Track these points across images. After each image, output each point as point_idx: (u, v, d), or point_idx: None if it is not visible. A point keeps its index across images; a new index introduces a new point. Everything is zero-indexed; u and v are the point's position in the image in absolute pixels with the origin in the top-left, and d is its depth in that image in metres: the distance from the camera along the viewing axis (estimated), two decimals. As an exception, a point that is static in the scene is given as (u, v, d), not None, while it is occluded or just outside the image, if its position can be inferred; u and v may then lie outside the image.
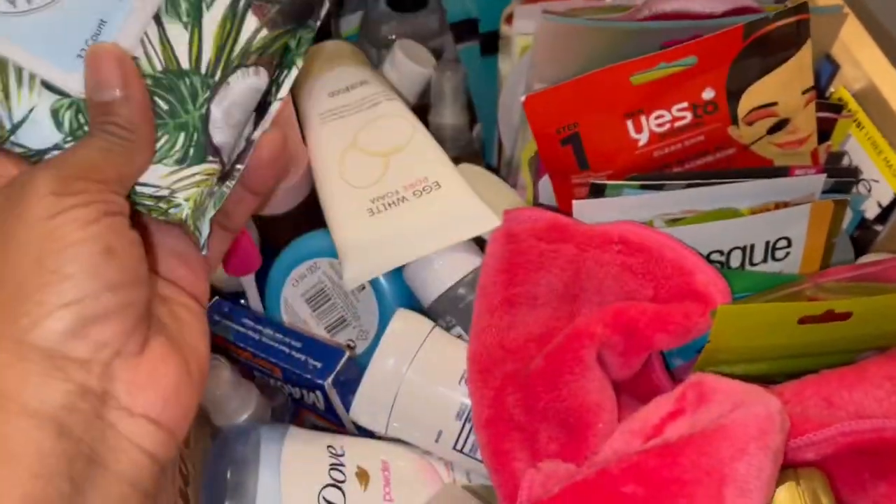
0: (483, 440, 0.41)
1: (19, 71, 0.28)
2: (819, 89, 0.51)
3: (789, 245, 0.45)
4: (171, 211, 0.30)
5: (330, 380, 0.45)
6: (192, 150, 0.30)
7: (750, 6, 0.46)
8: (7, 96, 0.28)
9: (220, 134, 0.31)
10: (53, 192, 0.25)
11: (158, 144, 0.30)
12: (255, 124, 0.32)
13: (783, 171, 0.43)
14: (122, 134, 0.28)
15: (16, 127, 0.28)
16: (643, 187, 0.43)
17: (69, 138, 0.29)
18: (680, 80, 0.42)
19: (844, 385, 0.39)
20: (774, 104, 0.43)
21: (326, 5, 0.32)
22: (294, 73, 0.32)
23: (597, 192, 0.43)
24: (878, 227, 0.48)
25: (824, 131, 0.47)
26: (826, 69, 0.50)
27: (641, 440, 0.37)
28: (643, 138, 0.43)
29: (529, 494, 0.37)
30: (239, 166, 0.32)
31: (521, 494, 0.37)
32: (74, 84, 0.28)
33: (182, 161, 0.30)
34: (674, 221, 0.44)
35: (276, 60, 0.32)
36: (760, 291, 0.43)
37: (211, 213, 0.31)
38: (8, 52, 0.28)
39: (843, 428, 0.35)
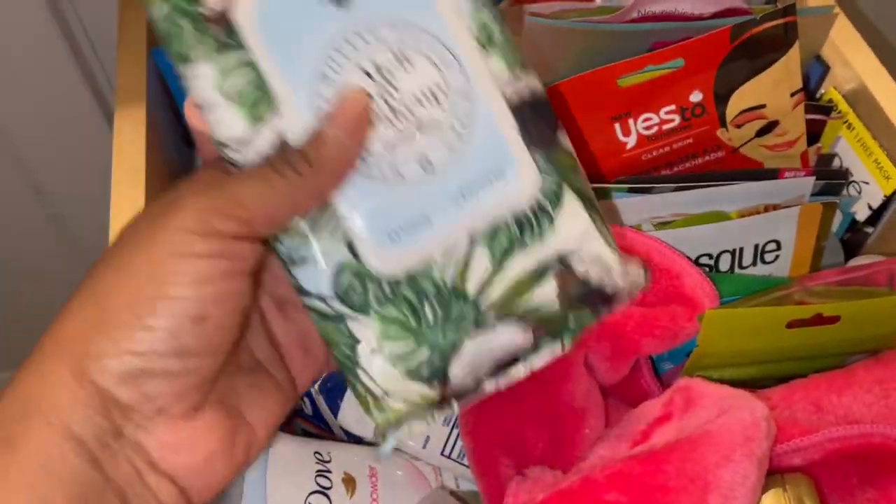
0: (469, 445, 0.41)
1: (335, 219, 0.28)
2: (809, 90, 0.50)
3: (778, 248, 0.45)
4: (373, 410, 0.30)
5: (317, 385, 0.45)
6: (425, 370, 0.29)
7: (739, 7, 0.46)
8: (312, 231, 0.28)
9: (458, 368, 0.30)
10: (187, 229, 0.25)
11: (399, 347, 0.29)
12: (492, 375, 0.31)
13: (772, 174, 0.43)
14: (298, 169, 0.26)
15: (299, 260, 0.29)
16: (631, 190, 0.42)
17: (334, 295, 0.29)
18: (667, 83, 0.42)
19: (833, 389, 0.39)
20: (763, 106, 0.43)
21: (624, 301, 0.31)
22: (556, 351, 0.31)
23: (585, 195, 0.42)
24: (869, 230, 0.48)
25: (814, 133, 0.47)
26: (816, 70, 0.50)
27: (629, 445, 0.37)
28: (631, 141, 0.43)
29: (515, 501, 0.37)
30: (455, 404, 0.31)
31: (507, 501, 0.37)
32: (371, 257, 0.29)
33: (411, 374, 0.29)
34: (663, 225, 0.43)
35: (549, 329, 0.31)
36: (749, 295, 0.42)
37: (399, 433, 0.30)
38: (336, 199, 0.28)
39: (831, 434, 0.35)
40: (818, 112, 0.47)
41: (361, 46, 0.29)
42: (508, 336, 0.30)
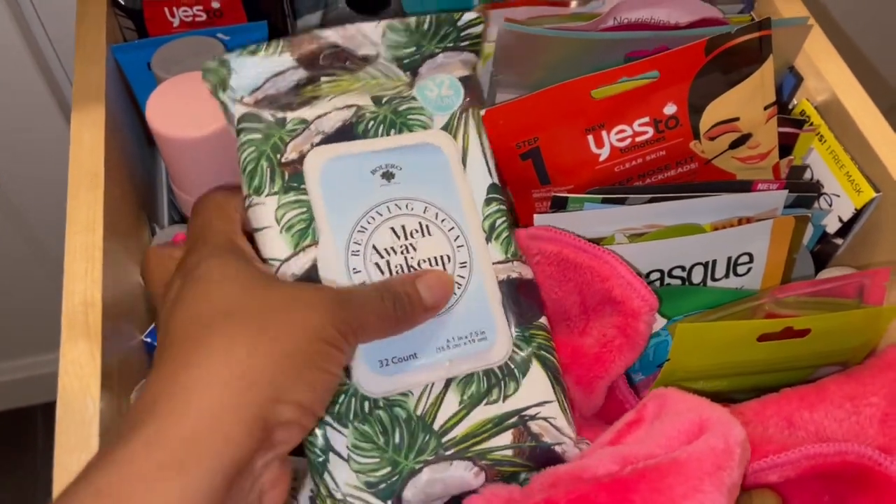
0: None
1: None
2: (782, 101, 0.50)
3: (751, 260, 0.44)
4: None
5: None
6: (384, 486, 0.33)
7: (715, 17, 0.45)
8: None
9: (412, 492, 0.34)
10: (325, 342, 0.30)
11: (366, 460, 0.33)
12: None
13: (746, 186, 0.43)
14: (404, 304, 0.33)
15: None
16: (605, 201, 0.42)
17: (329, 417, 0.33)
18: (641, 95, 0.41)
19: (805, 405, 0.39)
20: (736, 119, 0.42)
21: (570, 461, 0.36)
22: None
23: (558, 205, 0.42)
24: (839, 241, 0.48)
25: (787, 145, 0.47)
26: (789, 81, 0.50)
27: (600, 444, 0.36)
28: (604, 153, 0.43)
29: None
30: None
31: None
32: (362, 377, 0.34)
33: (371, 486, 0.33)
34: (636, 237, 0.43)
35: (500, 473, 0.35)
36: (720, 306, 0.42)
37: None
38: None
39: (808, 451, 0.35)
40: (791, 125, 0.47)
41: (396, 212, 0.36)
42: (462, 472, 0.34)
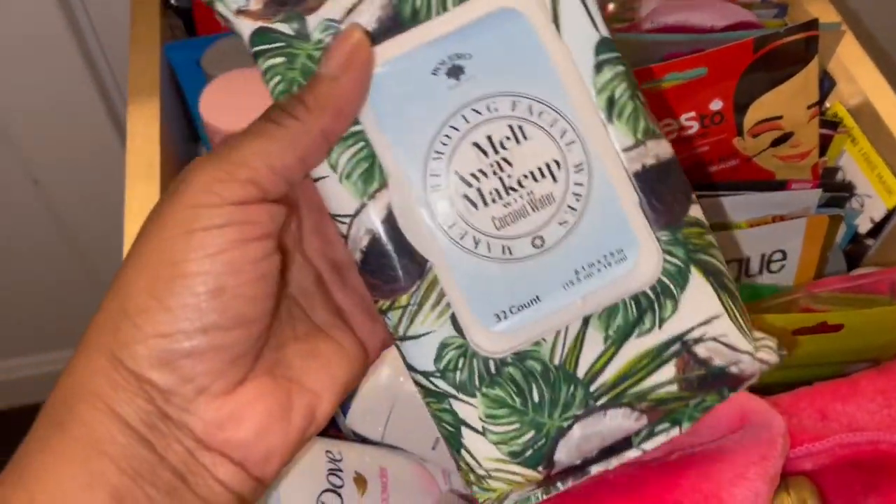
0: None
1: (441, 296, 0.28)
2: (815, 104, 0.51)
3: (784, 258, 0.46)
4: (475, 487, 0.29)
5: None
6: (530, 452, 0.28)
7: (751, 21, 0.47)
8: (419, 309, 0.28)
9: (564, 452, 0.29)
10: (193, 204, 0.25)
11: (504, 429, 0.28)
12: (601, 458, 0.29)
13: (780, 185, 0.44)
14: (296, 114, 0.25)
15: (404, 338, 0.28)
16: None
17: (438, 372, 0.28)
18: (689, 91, 0.42)
19: (838, 398, 0.40)
20: (780, 117, 0.44)
21: (753, 380, 0.29)
22: (673, 434, 0.29)
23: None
24: (870, 242, 0.49)
25: (821, 147, 0.48)
26: (823, 85, 0.51)
27: None
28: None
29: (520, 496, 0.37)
30: (560, 485, 0.29)
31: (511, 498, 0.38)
32: (477, 336, 0.28)
33: (515, 456, 0.28)
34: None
35: (665, 414, 0.29)
36: (755, 300, 0.43)
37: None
38: (443, 275, 0.28)
39: (842, 439, 0.36)
40: (826, 126, 0.48)
41: (476, 120, 0.28)
42: (620, 421, 0.29)
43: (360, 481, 0.41)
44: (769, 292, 0.44)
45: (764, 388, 0.41)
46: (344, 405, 0.45)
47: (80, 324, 0.27)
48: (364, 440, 0.45)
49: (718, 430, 0.35)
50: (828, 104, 0.51)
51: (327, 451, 0.42)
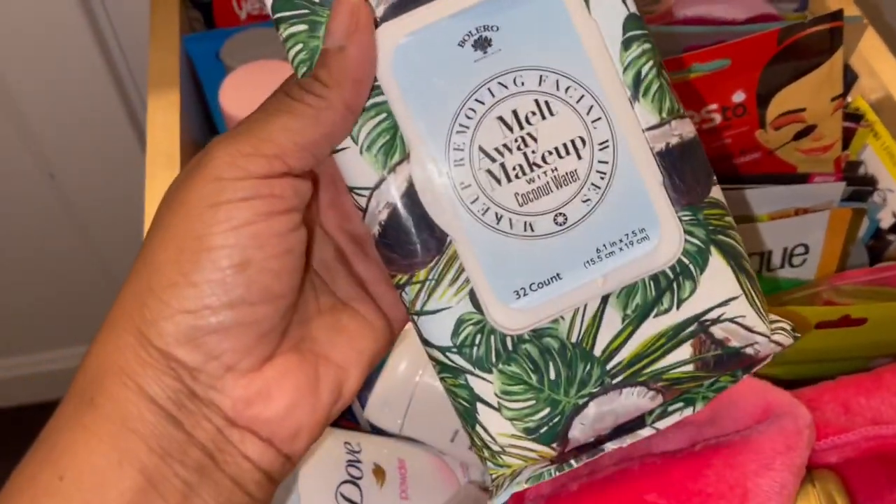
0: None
1: (460, 272, 0.28)
2: (837, 98, 0.51)
3: (806, 252, 0.45)
4: (489, 463, 0.29)
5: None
6: (545, 429, 0.28)
7: (771, 14, 0.46)
8: (437, 285, 0.28)
9: (579, 429, 0.29)
10: (217, 177, 0.24)
11: (519, 405, 0.28)
12: (615, 436, 0.29)
13: (802, 178, 0.44)
14: (317, 92, 0.25)
15: (421, 312, 0.28)
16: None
17: (454, 348, 0.28)
18: (712, 82, 0.42)
19: (861, 392, 0.39)
20: (803, 110, 0.43)
21: (765, 363, 0.30)
22: (687, 413, 0.29)
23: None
24: (892, 237, 0.49)
25: (844, 140, 0.48)
26: (845, 78, 0.50)
27: None
28: (669, 140, 0.44)
29: (539, 491, 0.37)
30: (574, 462, 0.29)
31: (530, 492, 0.37)
32: (496, 312, 0.28)
33: (530, 433, 0.28)
34: (693, 225, 0.44)
35: (680, 393, 0.29)
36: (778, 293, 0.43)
37: (514, 487, 0.29)
38: (463, 250, 0.27)
39: (867, 432, 0.36)
40: (848, 119, 0.48)
41: (502, 94, 0.27)
42: (635, 399, 0.29)
43: (379, 473, 0.41)
44: (791, 286, 0.44)
45: (787, 384, 0.41)
46: (362, 397, 0.45)
47: (96, 320, 0.26)
48: (382, 433, 0.45)
49: (743, 421, 0.35)
50: (850, 98, 0.51)
51: (346, 443, 0.42)
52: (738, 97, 0.43)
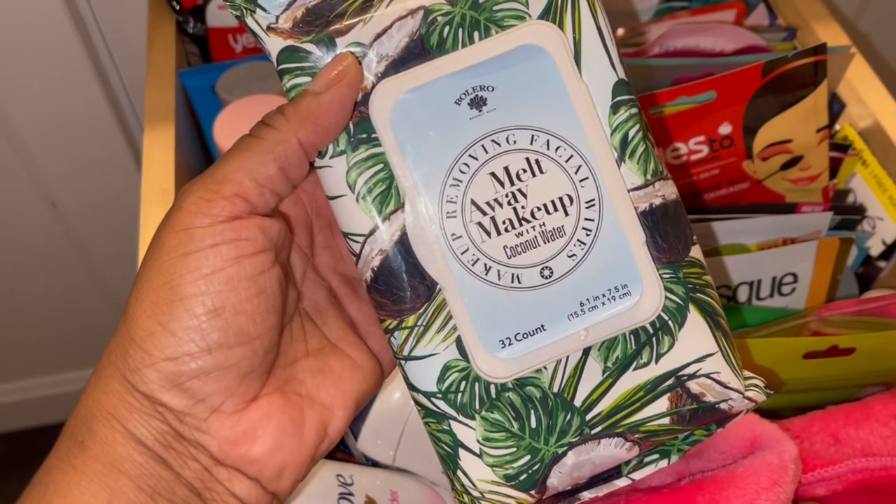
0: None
1: (448, 319, 0.28)
2: (825, 127, 0.51)
3: (796, 281, 0.46)
4: None
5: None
6: (524, 476, 0.29)
7: (760, 45, 0.47)
8: (425, 331, 0.28)
9: (556, 477, 0.29)
10: (184, 226, 0.25)
11: (500, 452, 0.29)
12: (591, 485, 0.31)
13: (790, 208, 0.44)
14: (274, 124, 0.26)
15: (408, 358, 0.29)
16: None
17: (440, 393, 0.29)
18: (698, 115, 0.43)
19: (851, 422, 0.39)
20: (789, 141, 0.44)
21: (739, 418, 0.31)
22: (662, 465, 0.30)
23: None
24: (882, 264, 0.49)
25: (831, 169, 0.48)
26: (833, 107, 0.51)
27: None
28: (657, 172, 0.44)
29: None
30: None
31: None
32: (481, 361, 0.28)
33: (509, 479, 0.29)
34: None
35: (656, 445, 0.30)
36: (765, 323, 0.43)
37: None
38: (452, 299, 0.28)
39: (855, 465, 0.36)
40: (836, 149, 0.48)
41: (494, 151, 0.28)
42: (613, 450, 0.29)
43: (371, 505, 0.41)
44: (779, 316, 0.44)
45: (776, 413, 0.41)
46: (355, 428, 0.46)
47: (97, 345, 0.27)
48: (375, 463, 0.45)
49: (729, 455, 0.35)
50: (838, 126, 0.51)
51: (338, 475, 0.42)
52: (725, 129, 0.43)
